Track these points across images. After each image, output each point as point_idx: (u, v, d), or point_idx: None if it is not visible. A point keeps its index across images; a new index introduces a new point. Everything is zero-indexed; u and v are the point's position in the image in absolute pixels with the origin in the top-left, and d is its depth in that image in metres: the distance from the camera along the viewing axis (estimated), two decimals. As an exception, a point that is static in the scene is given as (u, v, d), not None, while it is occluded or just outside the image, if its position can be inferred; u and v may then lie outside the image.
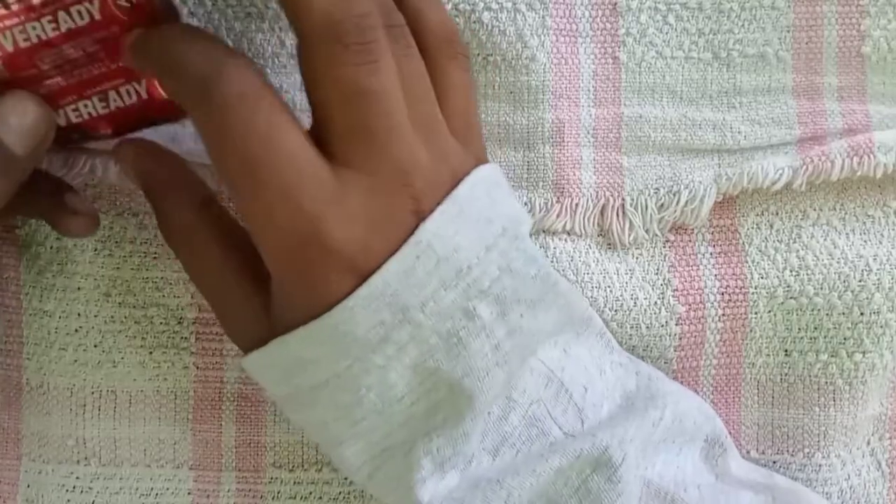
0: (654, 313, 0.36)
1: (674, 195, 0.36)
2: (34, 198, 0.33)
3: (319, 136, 0.29)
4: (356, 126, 0.28)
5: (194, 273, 0.32)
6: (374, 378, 0.29)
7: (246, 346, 0.31)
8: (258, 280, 0.30)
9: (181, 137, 0.34)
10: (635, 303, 0.36)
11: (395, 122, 0.29)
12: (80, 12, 0.30)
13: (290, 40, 0.35)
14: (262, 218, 0.28)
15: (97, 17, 0.30)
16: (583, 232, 0.36)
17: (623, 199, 0.36)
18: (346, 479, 0.37)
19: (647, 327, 0.36)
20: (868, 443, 0.38)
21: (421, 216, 0.29)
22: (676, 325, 0.36)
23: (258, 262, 0.30)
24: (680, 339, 0.36)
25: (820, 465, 0.37)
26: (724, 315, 0.36)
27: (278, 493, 0.37)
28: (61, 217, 0.33)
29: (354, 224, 0.28)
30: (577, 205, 0.36)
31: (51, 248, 0.36)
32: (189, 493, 0.37)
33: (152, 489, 0.37)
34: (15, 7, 0.30)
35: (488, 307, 0.30)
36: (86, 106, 0.31)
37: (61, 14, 0.30)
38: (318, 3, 0.28)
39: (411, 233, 0.29)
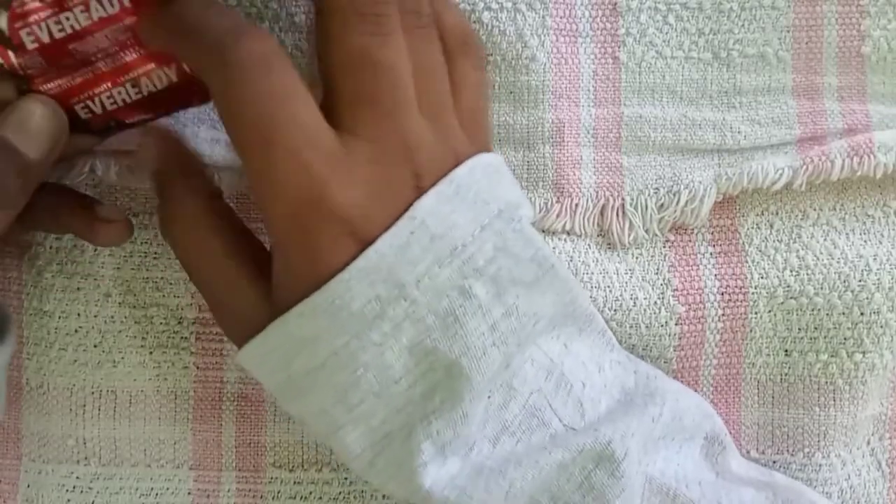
0: (654, 313, 0.36)
1: (674, 195, 0.36)
2: (62, 213, 0.34)
3: (328, 105, 0.30)
4: (363, 94, 0.30)
5: (193, 263, 0.33)
6: (370, 356, 0.30)
7: (244, 336, 0.32)
8: (258, 269, 0.31)
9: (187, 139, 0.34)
10: (635, 303, 0.36)
11: (401, 97, 0.30)
12: (110, 0, 0.31)
13: (289, 39, 0.36)
14: (268, 178, 0.29)
15: (126, 3, 0.31)
16: (583, 232, 0.36)
17: (623, 199, 0.36)
18: (346, 479, 0.37)
19: (647, 327, 0.36)
20: (868, 443, 0.38)
21: (420, 192, 0.30)
22: (676, 324, 0.36)
23: (259, 253, 0.31)
24: (680, 338, 0.36)
25: (820, 465, 0.37)
26: (723, 315, 0.36)
27: (278, 492, 0.37)
28: (95, 228, 0.34)
29: (357, 190, 0.29)
30: (576, 205, 0.36)
31: (50, 247, 0.36)
32: (189, 493, 0.37)
33: (152, 489, 0.37)
34: None
35: (484, 286, 0.30)
36: (119, 93, 0.32)
37: (93, 3, 0.31)
38: None
39: (409, 207, 0.30)
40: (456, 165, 0.31)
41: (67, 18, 0.31)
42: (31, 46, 0.31)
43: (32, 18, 0.31)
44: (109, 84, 0.32)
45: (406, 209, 0.30)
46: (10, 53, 0.31)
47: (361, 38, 0.29)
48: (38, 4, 0.31)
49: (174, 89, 0.32)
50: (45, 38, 0.31)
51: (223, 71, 0.29)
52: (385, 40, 0.29)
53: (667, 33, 0.36)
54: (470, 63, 0.33)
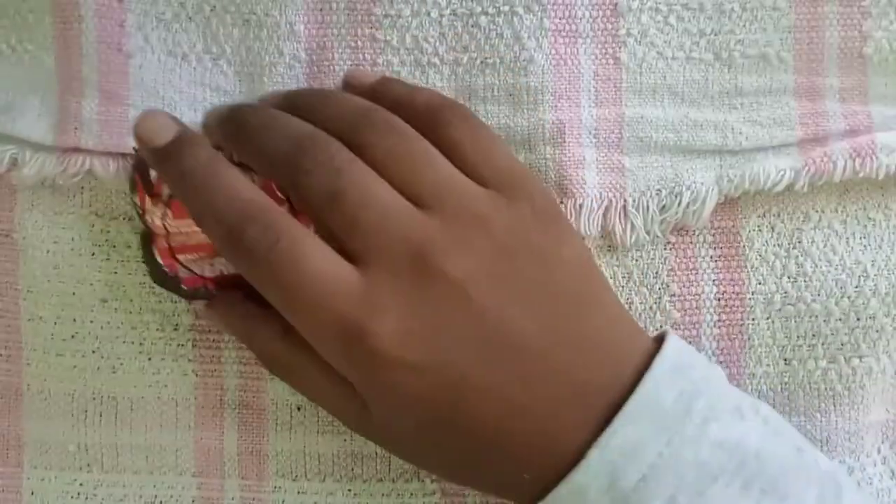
0: (649, 317, 0.38)
1: (675, 196, 0.37)
2: None
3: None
4: (348, 230, 0.32)
5: (303, 391, 0.36)
6: None
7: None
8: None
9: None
10: (630, 307, 0.38)
11: (384, 210, 0.32)
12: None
13: (288, 48, 0.37)
14: (311, 332, 0.32)
15: (255, 181, 0.34)
16: (586, 233, 0.37)
17: (625, 200, 0.38)
18: (350, 490, 0.38)
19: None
20: (879, 451, 0.39)
21: (458, 286, 0.32)
22: (671, 329, 0.37)
23: None
24: None
25: None
26: (719, 321, 0.38)
27: (282, 501, 0.38)
28: None
29: (390, 317, 0.31)
30: (580, 205, 0.37)
31: (47, 252, 0.38)
32: (193, 501, 0.38)
33: (156, 497, 0.38)
34: None
35: None
36: (221, 262, 0.36)
37: None
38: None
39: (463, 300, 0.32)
40: (486, 228, 0.33)
41: None
42: (165, 197, 0.35)
43: None
44: (215, 253, 0.35)
45: (459, 305, 0.32)
46: (148, 199, 0.35)
47: (319, 180, 0.32)
48: None
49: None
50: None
51: (236, 257, 0.33)
52: (340, 172, 0.32)
53: (668, 34, 0.38)
54: (452, 127, 0.34)
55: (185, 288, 0.36)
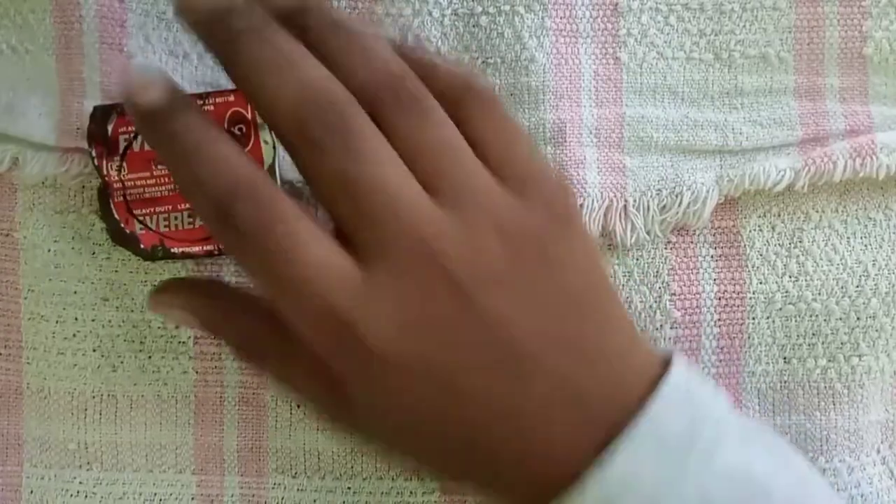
0: (649, 316, 0.38)
1: (676, 196, 0.38)
2: None
3: (337, 227, 0.31)
4: (357, 220, 0.30)
5: (278, 380, 0.33)
6: None
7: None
8: None
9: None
10: (630, 305, 0.38)
11: (399, 203, 0.30)
12: None
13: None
14: (300, 323, 0.30)
15: None
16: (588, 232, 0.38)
17: (626, 200, 0.38)
18: (349, 488, 0.38)
19: (641, 330, 0.38)
20: (878, 451, 0.40)
21: (463, 288, 0.30)
22: (671, 328, 0.38)
23: None
24: (674, 343, 0.38)
25: (823, 470, 0.39)
26: (720, 320, 0.38)
27: (282, 499, 0.38)
28: None
29: (388, 321, 0.30)
30: (581, 205, 0.37)
31: (48, 251, 0.38)
32: (193, 499, 0.39)
33: (156, 494, 0.39)
34: None
35: None
36: (176, 217, 0.36)
37: None
38: (283, 105, 0.29)
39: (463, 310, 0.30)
40: (500, 232, 0.31)
41: None
42: (122, 149, 0.35)
43: (132, 128, 0.35)
44: (170, 207, 0.35)
45: (456, 314, 0.30)
46: (104, 152, 0.35)
47: (329, 163, 0.29)
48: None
49: None
50: (137, 148, 0.35)
51: (228, 241, 0.30)
52: (357, 155, 0.29)
53: (668, 34, 0.38)
54: (477, 118, 0.32)
55: (143, 247, 0.36)
